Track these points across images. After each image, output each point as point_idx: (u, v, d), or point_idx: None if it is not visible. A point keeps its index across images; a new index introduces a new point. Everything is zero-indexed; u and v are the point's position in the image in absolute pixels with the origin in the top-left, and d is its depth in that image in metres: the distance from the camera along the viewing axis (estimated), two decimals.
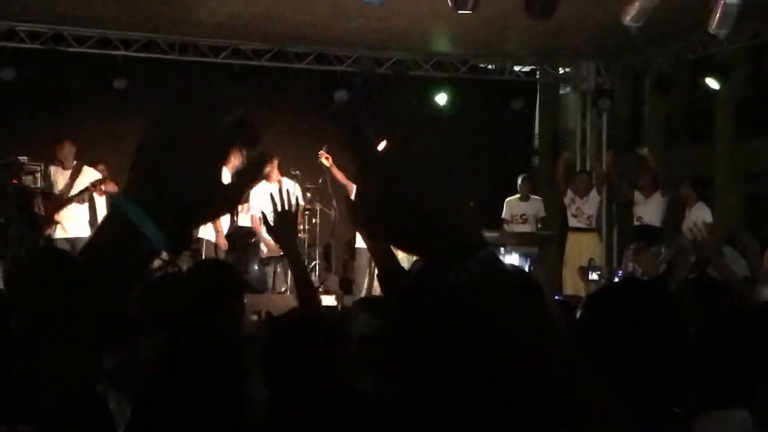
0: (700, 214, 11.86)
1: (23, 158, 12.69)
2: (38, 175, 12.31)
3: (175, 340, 2.88)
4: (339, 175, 11.91)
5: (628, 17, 9.61)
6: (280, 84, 14.06)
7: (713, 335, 3.02)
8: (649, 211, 12.00)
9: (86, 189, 11.48)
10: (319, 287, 13.00)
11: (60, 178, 11.55)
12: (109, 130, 13.46)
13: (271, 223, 4.19)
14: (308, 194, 12.82)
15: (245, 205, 12.42)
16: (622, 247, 13.45)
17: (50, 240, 11.43)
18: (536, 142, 17.04)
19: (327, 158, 11.79)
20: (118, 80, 13.21)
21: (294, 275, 4.21)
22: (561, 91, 15.84)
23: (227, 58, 13.64)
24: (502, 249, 12.97)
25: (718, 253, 5.55)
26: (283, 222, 4.20)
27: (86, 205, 11.62)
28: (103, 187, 11.57)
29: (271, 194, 4.18)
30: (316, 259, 13.16)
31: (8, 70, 12.71)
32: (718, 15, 9.71)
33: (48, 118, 13.18)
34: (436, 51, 14.19)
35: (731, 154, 18.71)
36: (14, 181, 12.30)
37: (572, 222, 12.55)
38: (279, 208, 4.14)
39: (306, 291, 4.10)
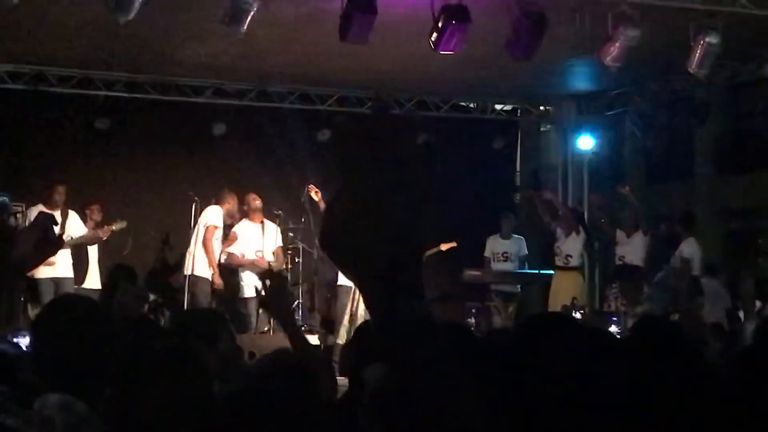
0: (692, 251, 11.89)
1: (4, 198, 12.65)
2: (20, 216, 12.27)
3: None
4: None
5: (609, 58, 9.69)
6: (262, 123, 14.09)
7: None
8: (632, 250, 12.01)
9: (87, 236, 11.57)
10: (302, 327, 12.97)
11: None
12: (92, 170, 13.47)
13: (266, 298, 4.25)
14: (290, 234, 12.82)
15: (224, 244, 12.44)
16: (604, 286, 13.48)
17: (35, 281, 11.36)
18: (518, 179, 17.08)
19: (316, 192, 11.80)
20: (101, 120, 13.20)
21: (293, 346, 4.22)
22: (542, 128, 15.93)
23: (209, 98, 13.66)
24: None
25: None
26: (276, 295, 4.27)
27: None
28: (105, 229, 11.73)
29: (260, 275, 4.35)
30: (299, 298, 13.14)
31: None
32: (698, 55, 9.81)
33: (30, 158, 13.16)
34: (418, 91, 14.26)
35: (711, 191, 18.79)
36: None
37: (556, 260, 12.55)
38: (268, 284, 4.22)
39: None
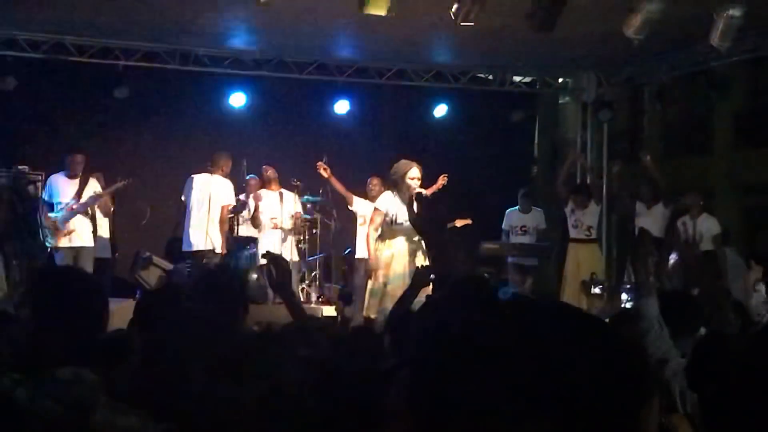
0: (707, 226, 11.86)
1: (24, 167, 12.72)
2: (39, 184, 12.33)
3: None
4: (338, 186, 11.91)
5: (631, 29, 9.61)
6: (280, 94, 14.08)
7: None
8: (652, 222, 11.94)
9: (88, 201, 11.50)
10: (318, 298, 13.02)
11: (67, 187, 11.51)
12: (110, 139, 13.50)
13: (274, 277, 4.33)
14: (308, 205, 12.83)
15: (244, 214, 12.46)
16: (622, 259, 13.43)
17: (56, 249, 11.41)
18: (536, 151, 17.04)
19: (325, 169, 11.79)
20: (119, 89, 13.21)
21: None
22: (560, 101, 15.85)
23: (228, 68, 13.64)
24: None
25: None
26: (281, 275, 4.35)
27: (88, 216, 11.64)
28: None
29: (267, 252, 4.40)
30: (315, 269, 13.17)
31: (9, 79, 12.69)
32: (720, 28, 9.72)
33: (49, 127, 13.20)
34: (436, 62, 14.21)
35: (730, 165, 18.73)
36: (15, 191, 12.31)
37: (572, 233, 12.51)
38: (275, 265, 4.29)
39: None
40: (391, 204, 9.09)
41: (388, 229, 9.10)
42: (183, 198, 11.76)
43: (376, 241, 9.16)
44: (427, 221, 4.22)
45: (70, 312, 3.09)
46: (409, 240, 8.95)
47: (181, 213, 11.86)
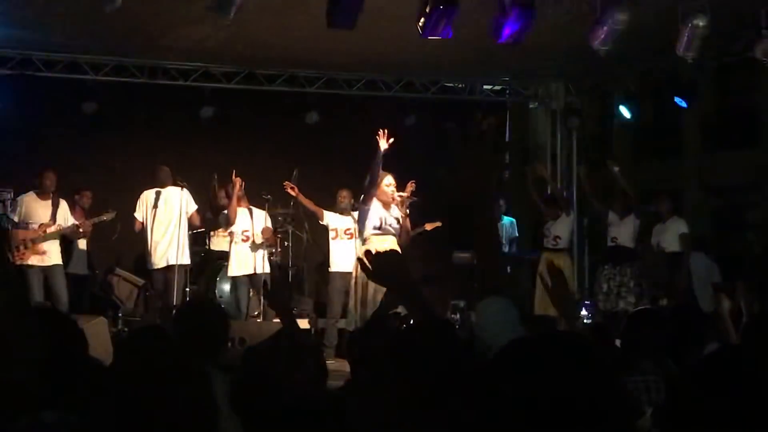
0: (677, 227, 11.96)
1: None
2: (8, 202, 12.23)
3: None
4: (306, 203, 11.90)
5: (596, 41, 9.68)
6: (250, 107, 14.07)
7: None
8: (624, 232, 12.01)
9: (67, 230, 11.46)
10: (292, 310, 12.99)
11: (38, 207, 11.43)
12: (80, 155, 13.43)
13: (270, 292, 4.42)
14: (279, 218, 12.82)
15: (219, 230, 12.44)
16: (593, 267, 13.50)
17: (21, 269, 11.33)
18: (507, 158, 17.12)
19: (292, 188, 11.73)
20: (88, 104, 13.16)
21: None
22: (531, 105, 15.95)
23: (197, 81, 13.62)
24: None
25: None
26: (278, 290, 4.39)
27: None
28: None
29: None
30: (288, 281, 13.17)
31: None
32: (685, 38, 9.81)
33: (18, 143, 13.11)
34: (406, 72, 14.24)
35: (699, 168, 18.89)
36: None
37: (545, 242, 12.57)
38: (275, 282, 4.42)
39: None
40: (374, 210, 9.36)
41: (378, 234, 9.30)
42: (137, 216, 11.70)
43: (364, 248, 9.30)
44: (383, 275, 4.25)
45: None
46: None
47: (140, 231, 11.80)
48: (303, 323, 12.20)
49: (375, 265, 3.63)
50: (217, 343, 4.20)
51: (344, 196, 11.81)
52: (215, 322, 4.36)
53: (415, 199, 9.85)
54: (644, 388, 4.56)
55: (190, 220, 11.66)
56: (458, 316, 12.97)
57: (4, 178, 12.71)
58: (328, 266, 11.89)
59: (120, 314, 12.46)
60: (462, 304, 13.19)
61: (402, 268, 3.70)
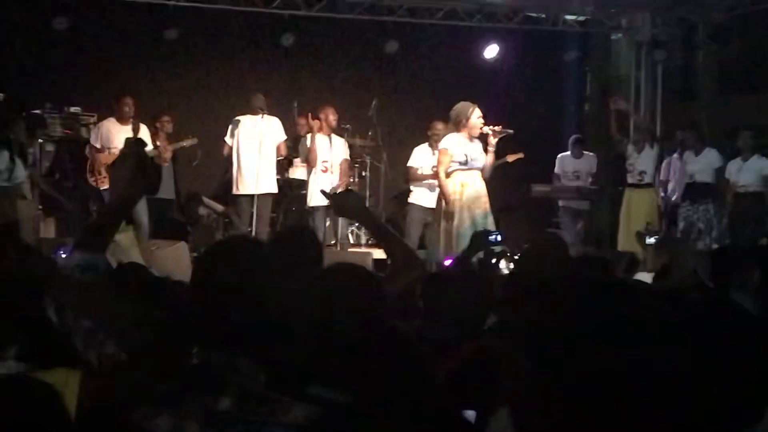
0: (760, 166, 11.62)
1: (76, 109, 12.79)
2: (92, 126, 12.39)
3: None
4: None
5: None
6: (331, 35, 13.98)
7: None
8: (701, 168, 11.72)
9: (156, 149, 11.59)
10: (368, 240, 13.03)
11: (118, 132, 11.54)
12: (160, 81, 13.49)
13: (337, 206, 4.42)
14: (357, 148, 12.76)
15: (297, 159, 12.44)
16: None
17: (99, 191, 11.51)
18: (588, 89, 16.84)
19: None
20: (169, 30, 13.19)
21: (377, 238, 4.25)
22: (613, 37, 15.62)
23: (278, 8, 13.55)
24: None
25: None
26: (345, 200, 4.32)
27: None
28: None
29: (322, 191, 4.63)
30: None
31: (61, 20, 12.73)
32: None
33: (100, 68, 13.20)
34: (489, 1, 14.00)
35: None
36: (66, 132, 12.41)
37: (628, 178, 12.24)
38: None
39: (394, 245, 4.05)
40: (461, 144, 9.26)
41: (463, 169, 9.23)
42: (228, 140, 11.73)
43: (451, 183, 9.25)
44: (345, 211, 4.65)
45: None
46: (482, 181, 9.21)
47: (228, 156, 11.83)
48: (380, 253, 12.21)
49: (335, 202, 4.22)
50: (311, 267, 4.13)
51: (440, 128, 11.26)
52: (310, 246, 4.33)
53: (510, 132, 9.63)
54: None
55: (277, 149, 11.67)
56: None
57: (86, 103, 12.88)
58: (408, 197, 11.79)
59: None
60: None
61: (359, 204, 4.38)
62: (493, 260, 5.15)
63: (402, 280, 3.77)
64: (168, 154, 11.89)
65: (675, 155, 11.94)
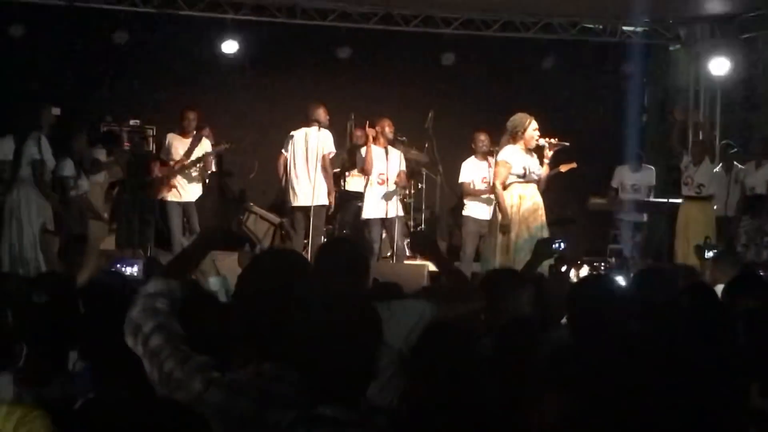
0: None
1: (136, 122, 12.97)
2: (151, 139, 12.56)
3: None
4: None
5: None
6: (386, 47, 14.02)
7: None
8: (761, 180, 11.54)
9: (199, 159, 11.77)
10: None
11: (179, 145, 11.84)
12: (219, 94, 13.60)
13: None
14: (413, 160, 12.76)
15: (353, 170, 12.48)
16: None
17: (163, 203, 11.72)
18: (646, 100, 16.68)
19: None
20: (227, 43, 13.33)
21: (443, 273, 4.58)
22: (671, 48, 15.47)
23: (334, 21, 13.63)
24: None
25: None
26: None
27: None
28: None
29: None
30: (421, 224, 13.18)
31: (121, 34, 12.93)
32: None
33: (159, 81, 13.36)
34: (546, 13, 13.95)
35: None
36: (127, 144, 12.59)
37: (683, 189, 12.14)
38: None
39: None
40: (519, 156, 9.26)
41: (521, 182, 9.22)
42: (284, 152, 11.81)
43: (509, 196, 9.24)
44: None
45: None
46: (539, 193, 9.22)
47: (284, 168, 11.91)
48: (433, 266, 12.20)
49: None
50: (358, 279, 4.16)
51: (483, 140, 11.65)
52: (358, 258, 4.33)
53: (566, 144, 9.65)
54: None
55: (322, 159, 11.68)
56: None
57: (148, 116, 13.09)
58: (462, 210, 11.83)
59: (257, 251, 12.63)
60: None
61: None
62: (563, 268, 5.28)
63: (457, 311, 4.15)
64: (210, 163, 12.05)
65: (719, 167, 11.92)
